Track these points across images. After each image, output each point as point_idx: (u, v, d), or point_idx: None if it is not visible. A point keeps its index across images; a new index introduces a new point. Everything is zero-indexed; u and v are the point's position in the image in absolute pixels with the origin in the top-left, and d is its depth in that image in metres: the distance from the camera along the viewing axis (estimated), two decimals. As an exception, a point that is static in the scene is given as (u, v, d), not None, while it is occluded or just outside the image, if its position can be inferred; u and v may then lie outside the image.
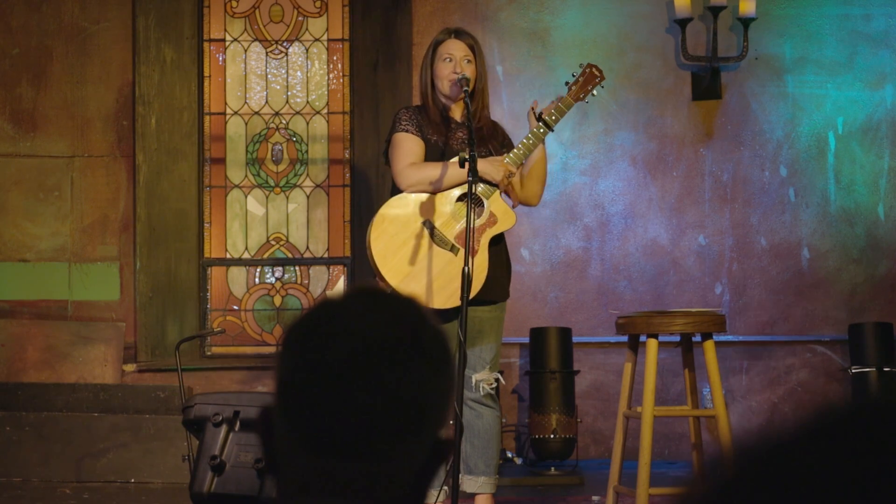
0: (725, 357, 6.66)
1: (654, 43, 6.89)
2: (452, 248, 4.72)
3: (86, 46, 6.86)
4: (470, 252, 4.38)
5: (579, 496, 5.76)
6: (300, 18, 7.07)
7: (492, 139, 4.87)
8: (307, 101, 7.04)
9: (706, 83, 6.82)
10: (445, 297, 4.66)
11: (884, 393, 0.79)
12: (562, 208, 6.84)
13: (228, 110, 7.02)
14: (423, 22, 6.86)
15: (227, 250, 7.01)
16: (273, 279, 7.02)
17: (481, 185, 4.67)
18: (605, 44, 6.85)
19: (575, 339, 6.45)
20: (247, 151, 7.03)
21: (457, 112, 4.85)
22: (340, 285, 6.98)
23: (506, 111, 6.70)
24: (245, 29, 7.06)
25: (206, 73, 7.01)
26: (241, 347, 7.00)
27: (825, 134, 6.88)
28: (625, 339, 4.89)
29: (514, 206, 4.86)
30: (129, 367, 6.74)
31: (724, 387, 6.24)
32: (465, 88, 4.66)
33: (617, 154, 6.87)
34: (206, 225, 6.99)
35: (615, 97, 6.78)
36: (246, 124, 7.03)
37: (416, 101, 6.27)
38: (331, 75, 7.03)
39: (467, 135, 4.57)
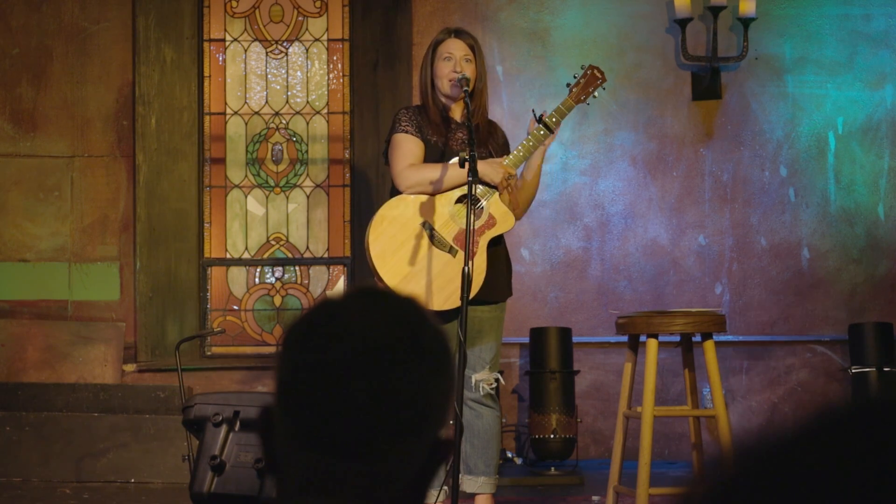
0: (725, 357, 6.66)
1: (654, 43, 6.89)
2: (451, 250, 4.72)
3: (86, 46, 6.86)
4: (470, 253, 4.38)
5: (579, 496, 5.75)
6: (300, 18, 7.07)
7: (491, 140, 4.86)
8: (307, 101, 7.04)
9: (706, 83, 6.82)
10: (444, 298, 4.66)
11: (884, 393, 0.79)
12: (562, 208, 6.84)
13: (228, 110, 7.02)
14: (423, 22, 6.86)
15: (227, 250, 7.01)
16: (273, 279, 7.02)
17: (480, 186, 4.66)
18: (605, 44, 6.85)
19: (575, 339, 6.45)
20: (247, 151, 7.03)
21: (457, 112, 4.85)
22: (340, 285, 6.98)
23: (506, 111, 6.70)
24: (245, 29, 7.06)
25: (206, 73, 7.01)
26: (241, 347, 7.00)
27: (825, 134, 6.88)
28: (625, 339, 4.89)
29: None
30: (129, 367, 6.74)
31: (724, 387, 6.24)
32: (465, 88, 4.65)
33: (617, 154, 6.87)
34: (206, 225, 6.99)
35: (615, 97, 6.78)
36: (246, 124, 7.03)
37: (417, 100, 6.27)
38: (331, 75, 7.03)
39: (467, 135, 4.56)
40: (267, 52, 7.05)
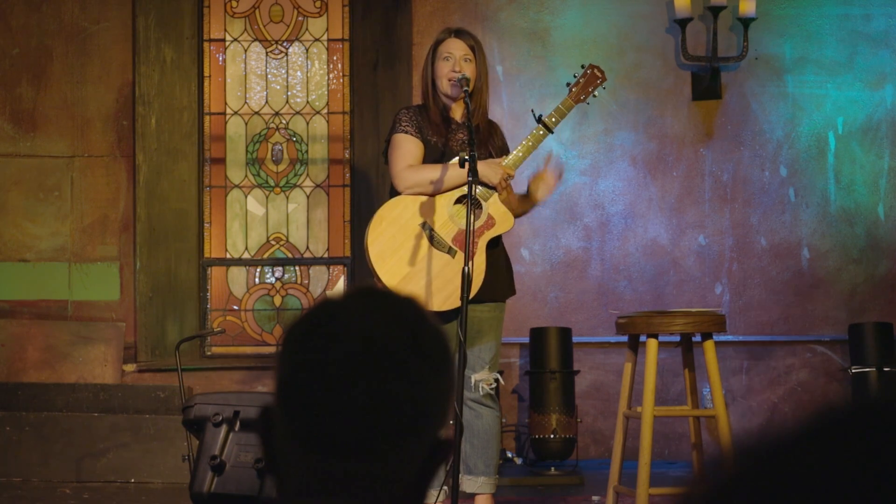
0: (725, 357, 6.66)
1: (654, 43, 6.89)
2: (450, 251, 4.72)
3: (86, 46, 6.86)
4: (469, 253, 4.38)
5: (579, 496, 5.75)
6: (300, 18, 7.07)
7: (491, 141, 4.86)
8: (307, 101, 7.04)
9: (706, 83, 6.82)
10: (442, 299, 4.66)
11: (884, 393, 0.79)
12: (562, 208, 6.84)
13: (228, 110, 7.02)
14: (423, 22, 6.86)
15: (227, 250, 7.01)
16: (273, 279, 7.02)
17: (479, 187, 4.66)
18: (605, 44, 6.85)
19: (575, 339, 6.45)
20: (247, 151, 7.03)
21: (457, 112, 4.85)
22: (340, 285, 6.98)
23: (506, 111, 6.70)
24: (245, 29, 7.06)
25: (206, 73, 7.01)
26: (241, 347, 7.00)
27: (825, 134, 6.88)
28: (625, 339, 4.89)
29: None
30: (129, 367, 6.74)
31: (724, 387, 6.24)
32: (465, 88, 4.65)
33: (617, 154, 6.87)
34: (206, 225, 6.99)
35: (615, 97, 6.78)
36: (246, 124, 7.03)
37: (416, 100, 6.27)
38: (331, 75, 7.03)
39: (467, 135, 4.56)
40: (267, 52, 7.05)
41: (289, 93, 7.04)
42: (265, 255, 7.01)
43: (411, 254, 4.70)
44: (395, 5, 6.87)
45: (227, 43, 7.04)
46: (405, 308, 1.28)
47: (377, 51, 6.90)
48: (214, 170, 7.01)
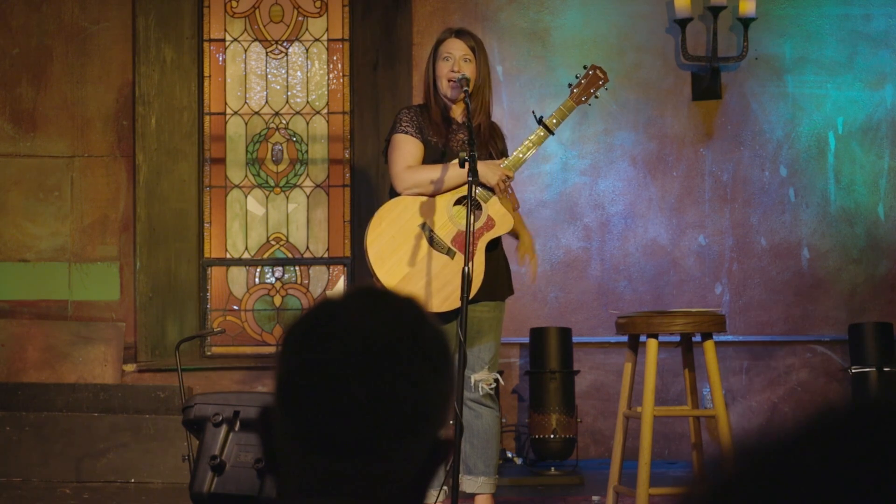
0: (725, 357, 6.66)
1: (654, 43, 6.89)
2: (449, 252, 4.71)
3: (86, 46, 6.86)
4: (469, 253, 4.38)
5: (579, 496, 5.75)
6: (300, 18, 7.07)
7: (492, 142, 4.85)
8: (307, 101, 7.04)
9: (706, 83, 6.82)
10: (441, 299, 4.66)
11: (884, 393, 0.79)
12: (562, 208, 6.84)
13: (228, 110, 7.02)
14: (423, 22, 6.86)
15: (227, 250, 7.01)
16: (273, 279, 7.02)
17: (479, 188, 4.65)
18: (605, 44, 6.85)
19: (575, 339, 6.45)
20: (247, 151, 7.03)
21: (457, 112, 4.84)
22: (340, 285, 6.98)
23: (506, 111, 6.70)
24: (245, 29, 7.06)
25: (206, 73, 7.02)
26: (241, 347, 7.00)
27: (825, 134, 6.88)
28: (625, 339, 4.89)
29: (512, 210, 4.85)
30: (129, 367, 6.74)
31: (724, 387, 6.24)
32: (465, 88, 4.65)
33: (617, 154, 6.87)
34: (206, 225, 6.99)
35: (615, 97, 6.78)
36: (246, 124, 7.03)
37: (416, 100, 6.27)
38: (331, 75, 7.03)
39: (467, 135, 4.56)
40: (267, 52, 7.05)
41: (289, 93, 7.04)
42: (265, 255, 7.01)
43: (410, 254, 4.70)
44: (395, 5, 6.87)
45: (227, 43, 7.04)
46: (405, 308, 1.28)
47: (377, 51, 6.90)
48: (214, 170, 7.01)
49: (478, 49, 4.82)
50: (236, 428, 3.88)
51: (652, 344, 4.67)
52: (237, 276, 7.01)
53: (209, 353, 6.96)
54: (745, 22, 6.76)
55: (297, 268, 7.03)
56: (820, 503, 0.75)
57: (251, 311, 7.00)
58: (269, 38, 7.06)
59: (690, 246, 6.84)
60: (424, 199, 4.74)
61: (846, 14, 6.90)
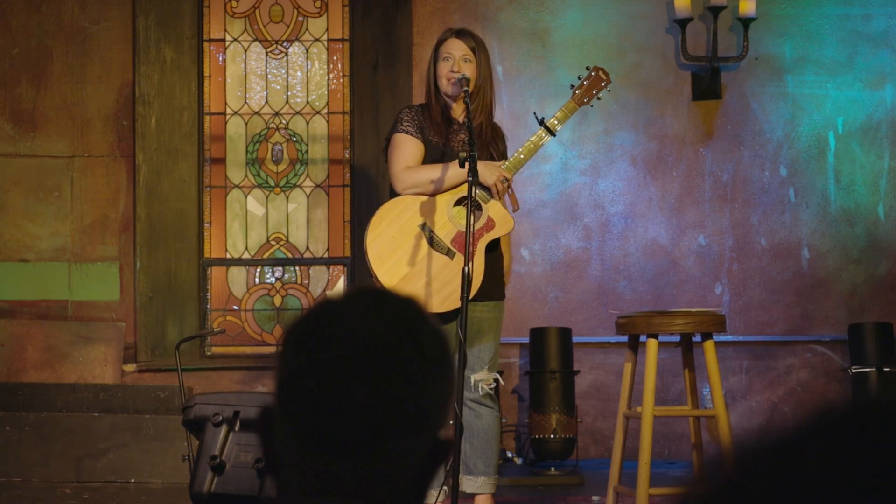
0: (725, 357, 6.66)
1: (654, 43, 6.89)
2: (449, 252, 4.71)
3: (86, 46, 6.86)
4: (469, 254, 4.37)
5: (579, 496, 5.75)
6: (300, 18, 7.07)
7: (493, 143, 4.85)
8: (307, 101, 7.04)
9: (706, 83, 6.82)
10: (441, 300, 4.66)
11: (884, 393, 0.79)
12: (562, 208, 6.84)
13: (228, 110, 7.02)
14: (423, 22, 6.86)
15: (227, 250, 7.01)
16: (273, 279, 7.02)
17: (479, 189, 4.65)
18: (605, 44, 6.85)
19: (575, 339, 6.45)
20: (247, 151, 7.03)
21: (458, 112, 4.84)
22: (340, 285, 6.98)
23: (506, 111, 6.70)
24: (245, 29, 7.06)
25: (206, 73, 7.02)
26: (241, 347, 7.00)
27: (825, 134, 6.88)
28: (625, 339, 4.89)
29: (513, 211, 4.85)
30: (129, 367, 6.74)
31: (724, 387, 6.24)
32: (465, 88, 4.65)
33: (617, 154, 6.87)
34: (206, 225, 6.99)
35: (615, 97, 6.78)
36: (246, 124, 7.03)
37: (416, 100, 6.27)
38: (331, 75, 7.03)
39: (468, 135, 4.55)
40: (267, 52, 7.05)
41: (289, 93, 7.04)
42: (265, 255, 7.01)
43: (410, 255, 4.70)
44: (395, 5, 6.87)
45: (227, 43, 7.04)
46: (405, 308, 1.28)
47: (377, 51, 6.90)
48: (214, 170, 7.01)
49: (478, 49, 4.82)
50: (236, 428, 3.88)
51: (652, 344, 4.67)
52: (237, 276, 7.01)
53: (209, 353, 6.96)
54: (745, 22, 6.76)
55: (297, 268, 7.03)
56: (820, 503, 0.75)
57: (251, 311, 7.00)
58: (269, 38, 7.06)
59: (690, 246, 6.84)
60: (424, 199, 4.74)
61: (846, 14, 6.90)
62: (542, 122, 4.78)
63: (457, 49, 4.79)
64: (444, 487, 4.49)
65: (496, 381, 4.81)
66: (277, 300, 7.02)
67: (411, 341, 1.25)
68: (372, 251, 4.70)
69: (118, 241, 6.83)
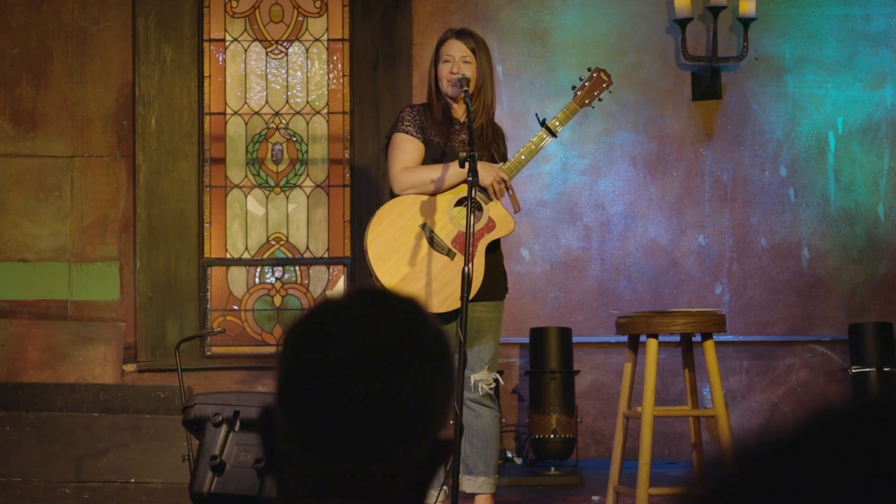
0: (725, 357, 6.66)
1: (654, 43, 6.89)
2: (449, 253, 4.71)
3: (86, 46, 6.86)
4: (469, 254, 4.37)
5: (579, 496, 5.75)
6: (300, 18, 7.07)
7: (494, 144, 4.85)
8: (307, 101, 7.04)
9: (706, 83, 6.82)
10: (441, 300, 4.65)
11: (884, 393, 0.79)
12: (562, 208, 6.84)
13: (228, 110, 7.02)
14: (423, 22, 6.86)
15: (227, 250, 7.01)
16: (273, 279, 7.02)
17: (477, 190, 4.64)
18: (605, 44, 6.85)
19: (575, 339, 6.45)
20: (247, 151, 7.03)
21: (459, 112, 4.84)
22: (340, 285, 6.99)
23: (506, 111, 6.70)
24: (245, 29, 7.06)
25: (206, 73, 7.02)
26: (241, 347, 7.00)
27: (825, 134, 6.88)
28: (625, 339, 4.89)
29: (514, 213, 4.84)
30: (129, 367, 6.74)
31: (724, 387, 6.24)
32: (465, 88, 4.65)
33: (617, 154, 6.87)
34: (206, 225, 6.99)
35: (615, 97, 6.77)
36: (246, 124, 7.03)
37: (416, 100, 6.27)
38: (331, 75, 7.03)
39: (468, 135, 4.55)
40: (267, 52, 7.05)
41: (289, 93, 7.04)
42: (265, 255, 7.01)
43: (411, 255, 4.70)
44: (395, 5, 6.87)
45: (227, 43, 7.05)
46: (406, 308, 1.28)
47: (377, 51, 6.90)
48: (214, 170, 7.01)
49: (478, 50, 4.81)
50: (236, 428, 3.88)
51: (652, 344, 4.67)
52: (237, 276, 7.01)
53: (209, 353, 6.96)
54: (745, 22, 6.76)
55: (297, 268, 7.03)
56: (820, 503, 0.75)
57: (251, 311, 7.00)
58: (269, 38, 7.06)
59: (690, 246, 6.84)
60: (425, 199, 4.74)
61: (846, 14, 6.90)
62: (543, 123, 4.78)
63: (456, 50, 4.78)
64: (444, 487, 4.49)
65: (496, 381, 4.81)
66: (277, 300, 7.02)
67: (411, 341, 1.25)
68: (372, 251, 4.70)
69: (118, 241, 6.83)
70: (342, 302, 1.28)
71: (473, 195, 4.43)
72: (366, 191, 6.89)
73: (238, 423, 3.88)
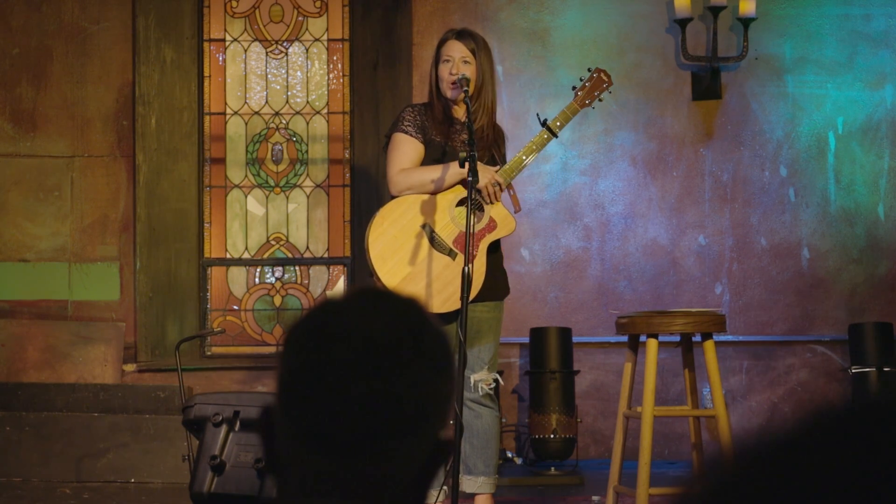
0: (725, 357, 6.66)
1: (654, 43, 6.89)
2: (450, 253, 4.71)
3: (86, 46, 6.86)
4: (470, 255, 4.37)
5: (579, 496, 5.75)
6: (300, 18, 7.07)
7: (495, 145, 4.84)
8: (307, 101, 7.04)
9: (706, 83, 6.82)
10: (442, 300, 4.65)
11: (884, 393, 0.79)
12: (562, 208, 6.84)
13: (228, 110, 7.02)
14: (423, 22, 6.86)
15: (227, 250, 7.01)
16: (273, 279, 7.02)
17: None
18: (605, 44, 6.85)
19: (575, 339, 6.45)
20: (247, 151, 7.03)
21: (460, 112, 4.83)
22: (340, 285, 6.99)
23: (506, 111, 6.69)
24: (245, 29, 7.06)
25: (206, 73, 7.02)
26: (241, 347, 7.00)
27: (825, 134, 6.88)
28: (625, 339, 4.89)
29: (514, 213, 4.84)
30: (129, 367, 6.74)
31: (724, 387, 6.24)
32: (465, 89, 4.64)
33: (617, 154, 6.87)
34: (206, 225, 6.99)
35: (615, 97, 6.77)
36: (246, 124, 7.03)
37: (416, 100, 6.27)
38: (331, 75, 7.03)
39: (468, 135, 4.55)
40: (267, 52, 7.05)
41: (289, 93, 7.04)
42: (265, 255, 7.01)
43: (412, 255, 4.70)
44: (395, 5, 6.87)
45: (227, 43, 7.05)
46: (406, 308, 1.28)
47: (377, 51, 6.90)
48: (214, 170, 7.01)
49: (479, 50, 4.80)
50: (236, 428, 3.88)
51: (652, 344, 4.67)
52: (237, 276, 7.01)
53: (209, 353, 6.96)
54: (745, 22, 6.76)
55: (297, 268, 7.03)
56: (820, 503, 0.75)
57: (251, 311, 7.00)
58: (269, 38, 7.06)
59: (690, 246, 6.84)
60: (426, 199, 4.73)
61: (846, 14, 6.90)
62: (544, 124, 4.78)
63: (456, 51, 4.78)
64: (444, 487, 4.49)
65: (496, 381, 4.81)
66: (277, 300, 7.02)
67: (412, 342, 1.25)
68: (374, 251, 4.70)
69: (118, 241, 6.83)
70: (343, 302, 1.28)
71: (473, 195, 4.43)
72: (366, 191, 6.89)
73: (238, 423, 3.88)
